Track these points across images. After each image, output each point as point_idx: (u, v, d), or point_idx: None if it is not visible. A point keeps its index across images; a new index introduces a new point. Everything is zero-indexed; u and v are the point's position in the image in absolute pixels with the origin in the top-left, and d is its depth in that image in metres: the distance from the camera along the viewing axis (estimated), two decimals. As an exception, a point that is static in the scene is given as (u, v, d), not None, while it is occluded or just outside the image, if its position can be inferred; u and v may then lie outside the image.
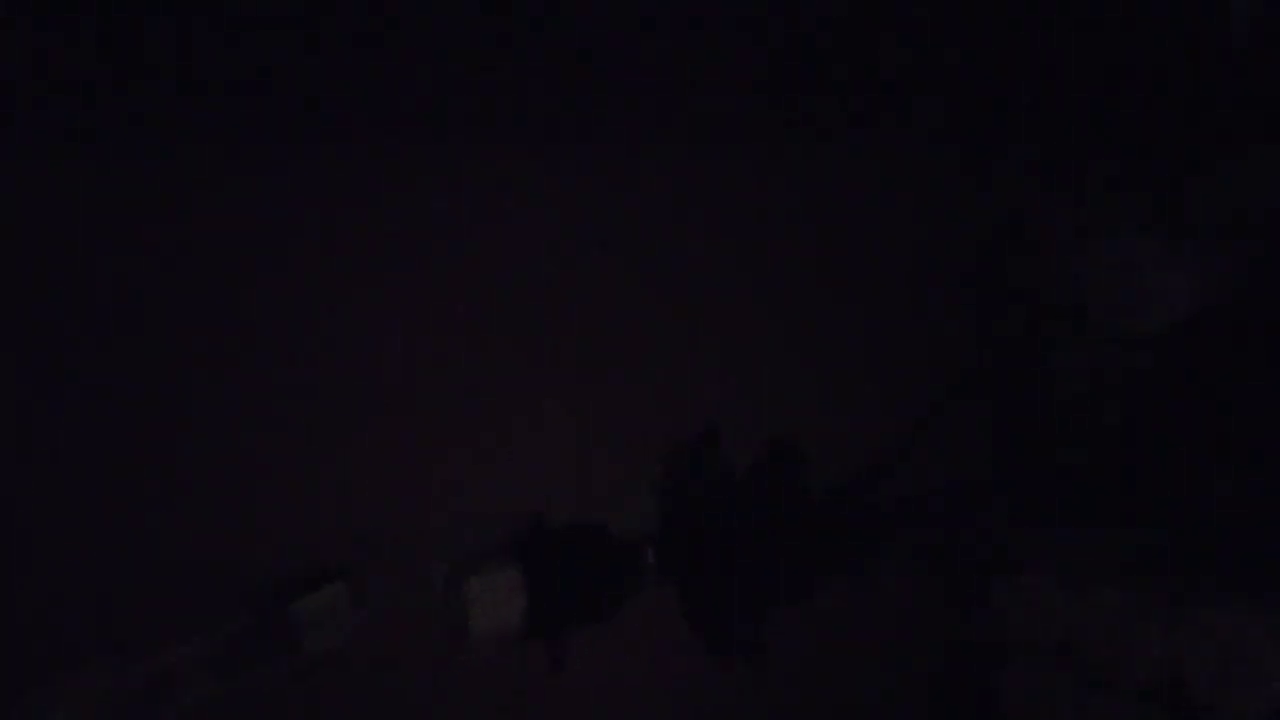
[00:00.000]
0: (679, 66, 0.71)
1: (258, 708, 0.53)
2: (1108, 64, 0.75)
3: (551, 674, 0.52)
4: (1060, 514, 0.69)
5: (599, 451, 0.70)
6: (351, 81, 0.65)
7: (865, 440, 0.65)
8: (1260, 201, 0.69)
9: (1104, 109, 0.74)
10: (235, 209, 0.65)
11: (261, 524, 0.65)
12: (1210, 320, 0.70)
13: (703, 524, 0.56)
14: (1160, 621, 0.72)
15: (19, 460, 0.62)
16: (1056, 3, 0.75)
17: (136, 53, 0.61)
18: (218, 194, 0.65)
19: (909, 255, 0.79)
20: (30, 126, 0.61)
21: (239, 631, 0.46)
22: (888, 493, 0.62)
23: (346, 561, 0.49)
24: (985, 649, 0.83)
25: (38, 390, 0.63)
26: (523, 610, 0.52)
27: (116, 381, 0.64)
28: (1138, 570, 0.73)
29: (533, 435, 0.70)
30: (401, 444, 0.69)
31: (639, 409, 0.71)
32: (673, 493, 0.58)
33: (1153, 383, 0.71)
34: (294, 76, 0.63)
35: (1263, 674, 0.67)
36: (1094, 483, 0.70)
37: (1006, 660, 0.83)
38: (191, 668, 0.45)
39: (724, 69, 0.72)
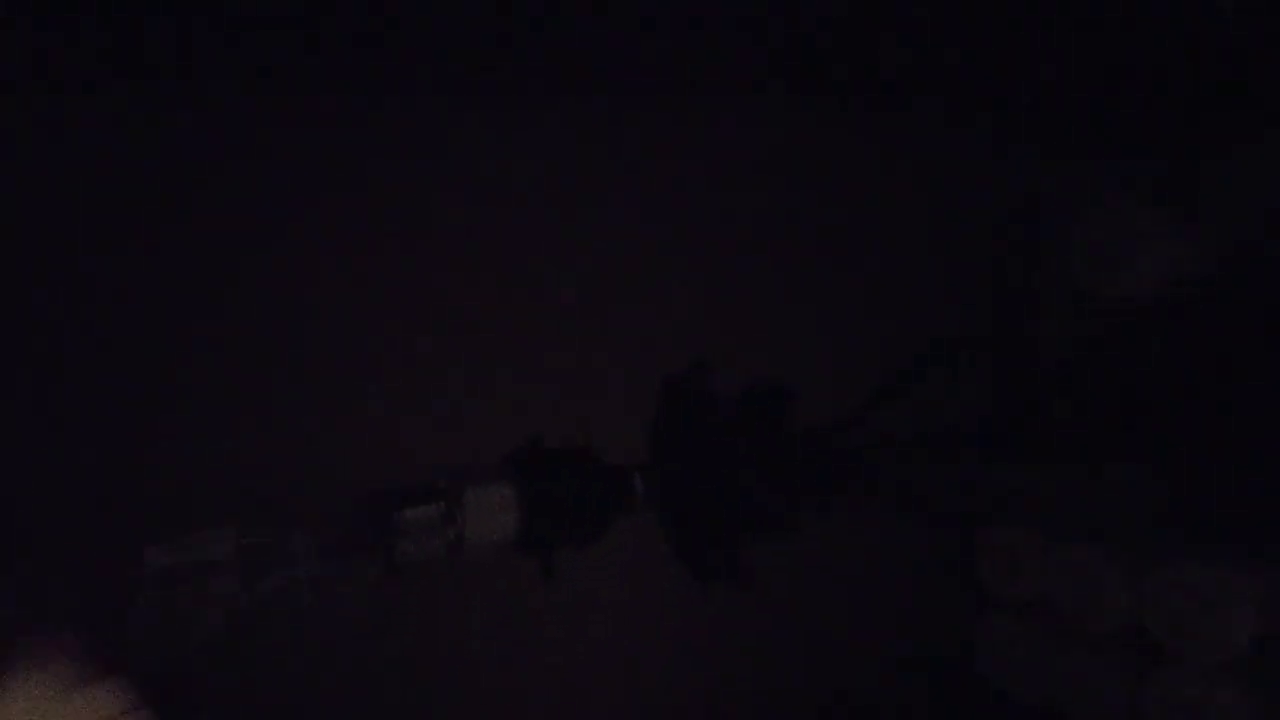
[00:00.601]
0: (706, 37, 0.73)
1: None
2: (1115, 43, 0.77)
3: (543, 583, 0.56)
4: (1042, 461, 0.72)
5: (601, 389, 0.73)
6: (353, 41, 0.66)
7: (852, 387, 0.69)
8: (1260, 184, 0.71)
9: (1105, 85, 0.76)
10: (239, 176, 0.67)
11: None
12: (1196, 289, 0.73)
13: (689, 454, 0.60)
14: (1125, 574, 0.75)
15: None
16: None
17: (134, 41, 0.62)
18: (216, 171, 0.67)
19: (905, 218, 0.81)
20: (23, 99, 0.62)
21: (347, 527, 0.52)
22: (868, 435, 0.66)
23: (444, 484, 0.53)
24: (963, 600, 0.86)
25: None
26: (515, 523, 0.55)
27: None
28: (1110, 522, 0.76)
29: (536, 375, 0.73)
30: (408, 387, 0.71)
31: (642, 353, 0.74)
32: (662, 423, 0.61)
33: (1136, 345, 0.74)
34: (291, 47, 0.65)
35: (1218, 622, 0.70)
36: (1076, 433, 0.73)
37: (983, 611, 0.86)
38: (303, 548, 0.50)
39: (745, 44, 0.74)
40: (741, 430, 0.60)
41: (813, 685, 0.85)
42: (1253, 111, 0.72)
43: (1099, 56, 0.76)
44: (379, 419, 0.70)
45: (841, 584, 0.83)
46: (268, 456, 0.67)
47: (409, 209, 0.71)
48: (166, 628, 0.45)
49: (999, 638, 0.85)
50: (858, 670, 0.86)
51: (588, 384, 0.74)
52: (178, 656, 0.45)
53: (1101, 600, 0.76)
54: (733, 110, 0.77)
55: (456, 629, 0.73)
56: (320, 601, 0.48)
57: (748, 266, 0.79)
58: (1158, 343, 0.75)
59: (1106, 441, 0.76)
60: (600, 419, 0.70)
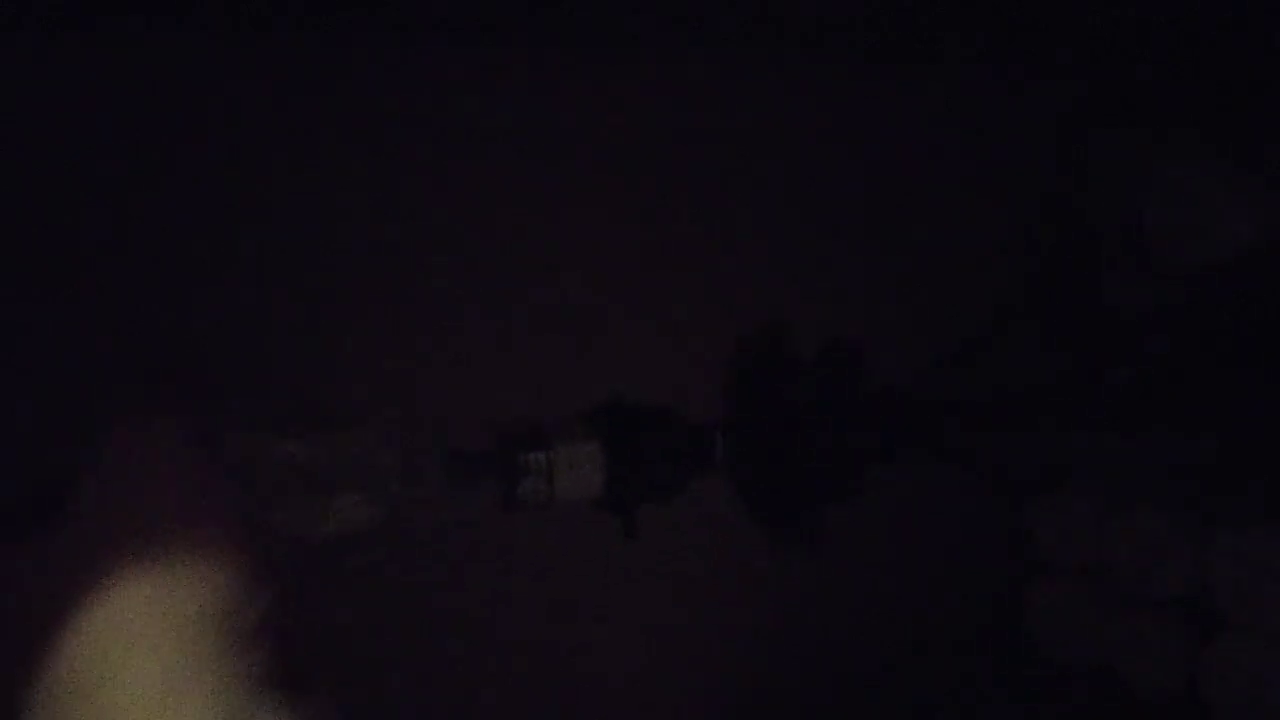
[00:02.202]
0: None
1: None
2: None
3: (625, 542, 0.56)
4: (1104, 427, 0.72)
5: (667, 345, 0.73)
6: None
7: (921, 347, 0.69)
8: None
9: (1173, 31, 0.74)
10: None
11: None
12: (1273, 254, 0.72)
13: (767, 415, 0.60)
14: (1190, 540, 0.75)
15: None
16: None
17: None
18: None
19: (970, 172, 0.81)
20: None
21: (474, 456, 0.52)
22: (937, 398, 0.66)
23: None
24: (1016, 566, 0.86)
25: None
26: (601, 481, 0.55)
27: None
28: (1174, 488, 0.76)
29: (599, 332, 0.73)
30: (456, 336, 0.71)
31: (706, 307, 0.74)
32: (738, 383, 0.61)
33: (1210, 314, 0.73)
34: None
35: (1285, 591, 0.71)
36: (1142, 401, 0.72)
37: (1035, 577, 0.86)
38: (432, 469, 0.50)
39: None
40: (819, 392, 0.60)
41: (856, 649, 0.86)
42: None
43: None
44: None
45: (886, 548, 0.84)
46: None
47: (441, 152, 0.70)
48: (298, 521, 0.45)
49: (1052, 603, 0.85)
50: (903, 635, 0.87)
51: (644, 338, 0.74)
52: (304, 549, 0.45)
53: (1163, 566, 0.76)
54: (778, 67, 0.76)
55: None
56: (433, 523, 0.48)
57: (803, 224, 0.78)
58: (1232, 309, 0.74)
59: (1172, 408, 0.76)
60: (661, 373, 0.70)
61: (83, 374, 0.44)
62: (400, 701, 0.69)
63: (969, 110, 0.80)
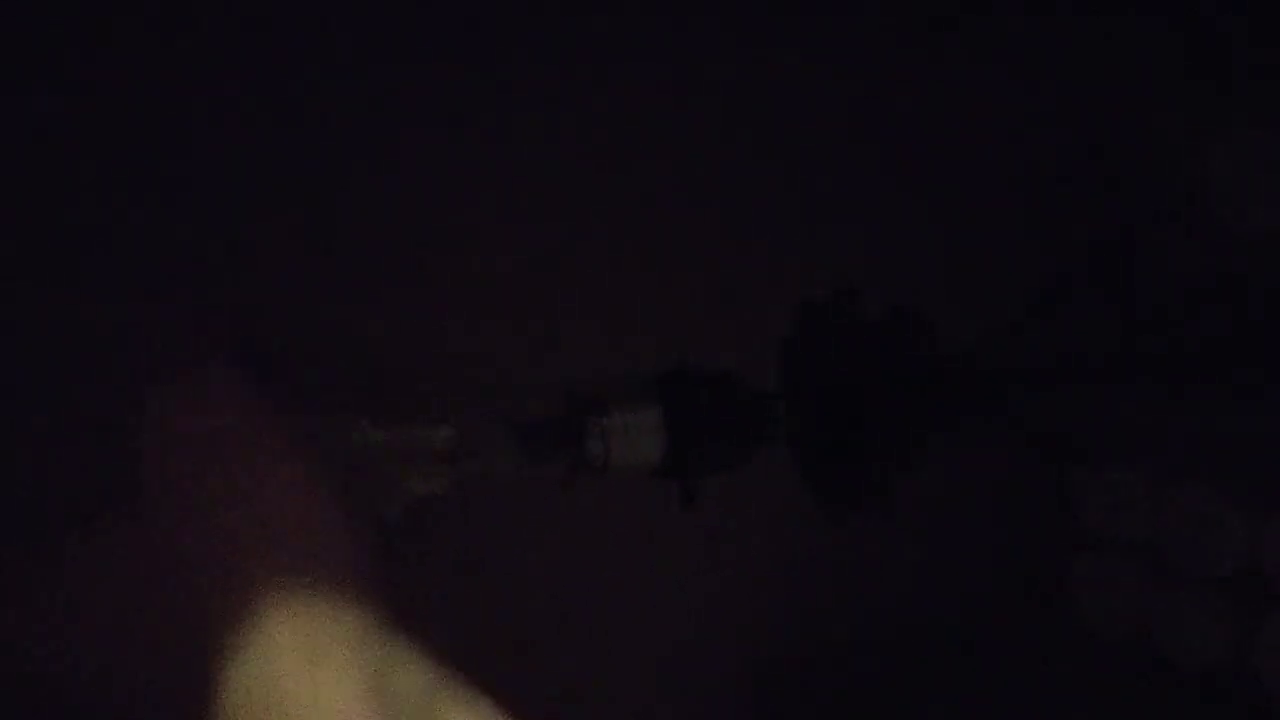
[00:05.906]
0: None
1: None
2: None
3: (683, 511, 0.54)
4: (1162, 395, 0.70)
5: (728, 305, 0.71)
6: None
7: (980, 314, 0.67)
8: None
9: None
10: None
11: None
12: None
13: (834, 381, 0.57)
14: (1243, 516, 0.74)
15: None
16: None
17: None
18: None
19: (1031, 137, 0.79)
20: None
21: (544, 425, 0.52)
22: (997, 363, 0.64)
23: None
24: (1061, 540, 0.85)
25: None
26: (661, 448, 0.53)
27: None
28: (1230, 463, 0.74)
29: (661, 291, 0.71)
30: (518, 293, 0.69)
31: (768, 268, 0.72)
32: (803, 348, 0.59)
33: (1275, 281, 0.72)
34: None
35: (1342, 570, 0.69)
36: (1202, 371, 0.71)
37: (1081, 550, 0.84)
38: (504, 439, 0.50)
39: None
40: (889, 359, 0.58)
41: (899, 616, 0.85)
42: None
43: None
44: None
45: (931, 515, 0.82)
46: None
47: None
48: (371, 498, 0.46)
49: (1098, 577, 0.84)
50: (946, 603, 0.86)
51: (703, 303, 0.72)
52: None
53: (1217, 543, 0.75)
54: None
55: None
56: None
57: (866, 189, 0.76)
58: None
59: (1233, 379, 0.74)
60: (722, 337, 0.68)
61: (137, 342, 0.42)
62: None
63: (1028, 76, 0.77)
